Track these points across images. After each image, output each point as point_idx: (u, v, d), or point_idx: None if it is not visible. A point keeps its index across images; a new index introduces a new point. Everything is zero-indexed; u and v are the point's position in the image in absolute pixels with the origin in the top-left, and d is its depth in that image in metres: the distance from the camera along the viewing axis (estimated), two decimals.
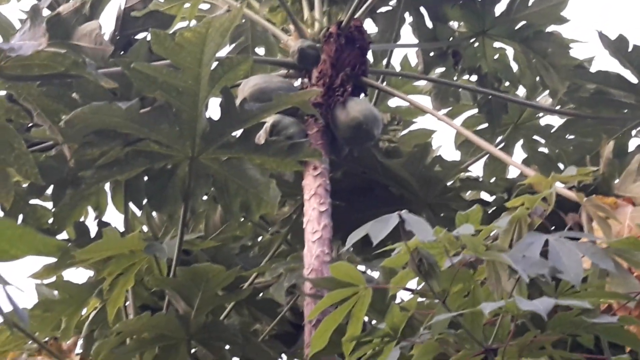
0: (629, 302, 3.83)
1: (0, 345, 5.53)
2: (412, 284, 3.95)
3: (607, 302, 3.94)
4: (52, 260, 5.52)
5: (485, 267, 3.67)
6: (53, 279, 5.73)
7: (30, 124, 5.36)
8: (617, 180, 5.27)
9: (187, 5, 6.71)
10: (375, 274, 5.32)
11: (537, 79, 6.63)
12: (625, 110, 5.92)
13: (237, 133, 5.23)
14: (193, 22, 6.73)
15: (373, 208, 4.52)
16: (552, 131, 6.60)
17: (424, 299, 4.05)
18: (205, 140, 5.14)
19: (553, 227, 4.22)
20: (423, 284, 3.63)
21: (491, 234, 3.90)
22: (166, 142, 5.15)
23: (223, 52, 5.55)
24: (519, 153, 6.96)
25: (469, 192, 6.52)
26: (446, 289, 3.56)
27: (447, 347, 3.61)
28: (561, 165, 6.51)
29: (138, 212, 6.32)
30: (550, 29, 6.45)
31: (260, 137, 5.36)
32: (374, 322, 4.83)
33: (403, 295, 4.85)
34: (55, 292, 5.78)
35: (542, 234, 3.65)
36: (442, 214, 5.98)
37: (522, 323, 3.67)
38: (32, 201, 5.79)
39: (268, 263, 5.79)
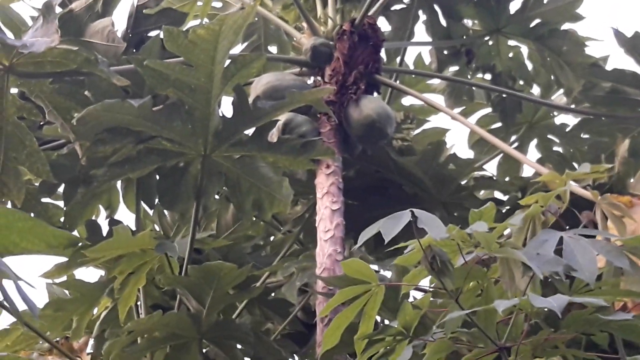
0: None
1: (12, 344, 5.55)
2: (425, 282, 3.97)
3: (622, 300, 3.93)
4: (63, 259, 5.53)
5: (499, 265, 3.67)
6: (64, 278, 5.74)
7: (42, 122, 5.37)
8: (632, 179, 5.26)
9: (199, 3, 6.73)
10: (388, 274, 5.31)
11: (552, 77, 6.64)
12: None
13: (250, 131, 5.25)
14: (205, 20, 6.74)
15: (386, 207, 4.52)
16: (566, 130, 6.60)
17: (437, 298, 4.05)
18: (217, 138, 5.15)
19: (567, 226, 4.20)
20: (436, 282, 3.64)
21: (505, 233, 3.90)
22: (178, 140, 5.16)
23: (235, 50, 5.54)
24: (533, 152, 6.98)
25: (483, 191, 6.50)
26: (459, 287, 3.55)
27: (460, 346, 3.61)
28: (576, 165, 6.46)
29: (150, 211, 6.34)
30: (566, 26, 6.45)
31: (273, 135, 5.36)
32: (386, 321, 4.82)
33: (417, 295, 4.86)
34: (67, 292, 5.79)
35: (556, 232, 3.64)
36: (455, 213, 5.98)
37: (535, 322, 3.67)
38: (44, 199, 5.77)
39: (280, 262, 5.79)
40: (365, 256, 5.43)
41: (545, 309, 3.63)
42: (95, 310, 5.92)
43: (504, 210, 5.47)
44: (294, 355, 5.87)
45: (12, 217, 2.20)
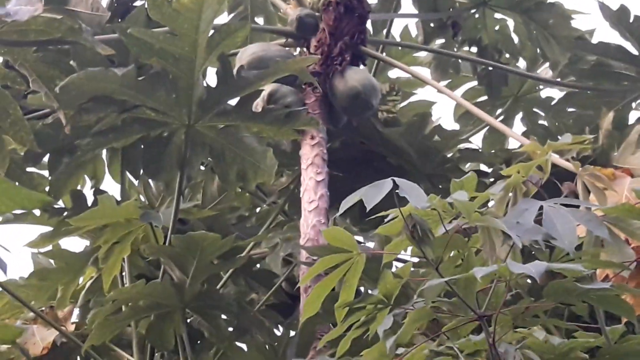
0: (623, 271, 3.84)
1: None
2: (409, 252, 3.97)
3: (604, 272, 3.94)
4: (48, 228, 5.54)
5: (480, 234, 3.66)
6: (49, 247, 5.74)
7: (26, 91, 5.36)
8: (616, 152, 5.27)
9: None
10: (372, 245, 5.33)
11: (538, 50, 6.64)
12: (626, 83, 5.92)
13: (234, 101, 5.24)
14: None
15: (371, 178, 4.48)
16: (552, 104, 6.61)
17: (419, 268, 4.06)
18: (201, 107, 5.15)
19: (549, 197, 4.21)
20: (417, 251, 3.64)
21: (490, 204, 3.90)
22: (162, 110, 5.16)
23: (222, 21, 5.54)
24: (518, 125, 6.99)
25: (468, 163, 6.50)
26: (440, 256, 3.55)
27: (440, 315, 3.61)
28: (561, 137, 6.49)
29: (135, 181, 6.34)
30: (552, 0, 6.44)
31: (258, 105, 5.36)
32: (370, 291, 4.84)
33: (400, 265, 4.87)
34: (52, 261, 5.79)
35: (536, 201, 3.65)
36: (440, 185, 5.97)
37: (517, 293, 3.67)
38: (29, 169, 5.78)
39: (264, 233, 5.80)
40: (348, 227, 5.46)
41: (527, 280, 3.66)
42: (80, 280, 5.93)
43: (488, 183, 5.47)
44: (278, 325, 5.87)
45: None
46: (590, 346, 3.59)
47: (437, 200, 3.52)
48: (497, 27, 6.71)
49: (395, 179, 3.52)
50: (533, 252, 3.73)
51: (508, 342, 3.52)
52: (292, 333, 5.55)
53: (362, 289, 5.08)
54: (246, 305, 5.58)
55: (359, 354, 3.62)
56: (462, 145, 6.46)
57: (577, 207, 3.84)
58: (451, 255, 3.66)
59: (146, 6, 5.11)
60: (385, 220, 3.65)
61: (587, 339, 3.62)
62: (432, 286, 3.42)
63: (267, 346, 5.44)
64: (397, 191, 3.51)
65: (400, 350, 3.50)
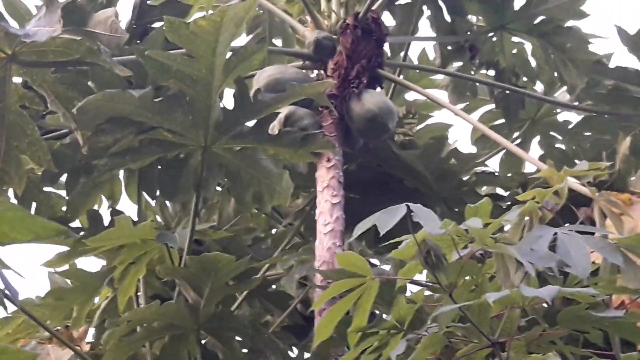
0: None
1: (12, 332, 5.57)
2: (423, 277, 3.97)
3: (620, 298, 3.93)
4: (65, 248, 5.55)
5: (494, 260, 3.67)
6: (66, 267, 5.75)
7: (44, 111, 5.38)
8: (633, 177, 5.26)
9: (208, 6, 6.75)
10: (388, 267, 5.32)
11: (555, 74, 6.64)
12: None
13: (251, 123, 5.25)
14: (210, 12, 6.76)
15: (387, 201, 4.48)
16: (569, 127, 6.61)
17: (434, 293, 4.05)
18: (218, 129, 5.16)
19: (565, 223, 4.21)
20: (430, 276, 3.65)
21: (506, 229, 3.90)
22: (179, 131, 5.17)
23: (241, 42, 5.54)
24: (535, 149, 6.97)
25: (485, 187, 6.50)
26: (453, 282, 3.56)
27: (454, 341, 3.61)
28: (578, 162, 6.47)
29: (152, 202, 6.35)
30: (570, 23, 6.46)
31: (274, 127, 5.37)
32: (384, 315, 4.83)
33: (415, 289, 4.87)
34: (68, 281, 5.81)
35: (551, 228, 3.64)
36: (456, 209, 5.97)
37: (532, 319, 3.67)
38: (46, 189, 5.82)
39: (280, 255, 5.81)
40: (364, 250, 5.45)
41: (543, 305, 3.66)
42: (96, 300, 5.94)
43: (504, 206, 5.46)
44: (293, 348, 5.86)
45: (2, 207, 2.20)
46: None
47: (452, 226, 3.52)
48: (514, 51, 6.71)
49: (410, 204, 3.52)
50: (547, 278, 3.73)
51: None
52: (307, 355, 5.55)
53: (377, 312, 5.09)
54: (261, 327, 5.58)
55: None
56: (479, 169, 6.46)
57: (593, 233, 3.83)
58: (465, 280, 3.65)
59: (164, 28, 5.13)
60: (400, 245, 3.66)
61: None
62: (446, 312, 3.43)
63: None
64: (411, 216, 3.51)
65: None
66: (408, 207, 3.50)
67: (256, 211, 6.01)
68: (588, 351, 3.84)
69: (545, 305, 3.69)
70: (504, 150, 6.61)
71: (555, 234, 3.54)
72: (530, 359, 3.55)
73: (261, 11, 6.53)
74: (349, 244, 5.32)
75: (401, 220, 3.54)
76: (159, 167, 5.49)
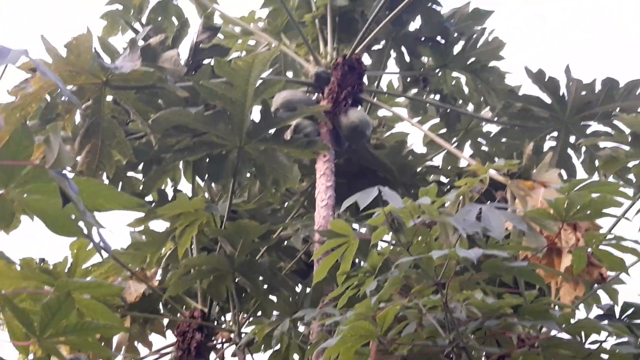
0: (538, 253, 3.85)
1: (105, 272, 5.57)
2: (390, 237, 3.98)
3: (524, 253, 3.94)
4: (141, 214, 5.57)
5: (438, 227, 3.69)
6: (142, 227, 5.77)
7: (128, 120, 5.39)
8: (534, 170, 5.27)
9: (239, 41, 6.75)
10: (365, 231, 5.32)
11: (482, 99, 6.61)
12: (542, 122, 5.88)
13: (272, 131, 5.26)
14: (244, 53, 6.78)
15: (364, 185, 4.48)
16: (491, 136, 6.54)
17: (396, 248, 4.05)
18: (249, 135, 5.18)
19: (487, 201, 4.22)
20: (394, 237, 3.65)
21: (446, 205, 3.90)
22: (222, 136, 5.19)
23: (264, 73, 5.56)
24: (467, 151, 6.93)
25: (432, 176, 6.49)
26: (410, 241, 3.58)
27: (410, 281, 3.62)
28: (497, 159, 6.46)
29: (202, 183, 6.36)
30: (492, 63, 6.43)
31: (287, 134, 5.40)
32: (362, 263, 4.85)
33: (383, 245, 4.86)
34: (143, 237, 5.82)
35: (477, 204, 3.67)
36: (412, 191, 5.96)
37: (464, 267, 3.68)
38: (129, 174, 5.82)
39: (290, 221, 5.81)
40: (348, 218, 5.44)
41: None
42: (162, 250, 5.95)
43: (445, 190, 5.45)
44: (299, 285, 5.85)
45: (100, 187, 2.23)
46: (513, 304, 3.56)
47: (409, 202, 3.55)
48: (453, 82, 6.67)
49: (380, 187, 3.54)
50: (475, 240, 3.75)
51: (456, 300, 3.54)
52: (308, 290, 5.56)
53: (357, 260, 5.10)
54: (276, 270, 5.59)
55: (353, 306, 3.62)
56: (428, 163, 6.43)
57: (506, 209, 3.86)
58: (418, 240, 3.65)
59: (212, 64, 5.16)
60: (374, 215, 3.67)
61: (512, 299, 3.61)
62: (404, 262, 3.44)
63: (290, 299, 5.46)
64: (382, 195, 3.53)
65: (382, 305, 3.50)
66: (379, 189, 3.52)
67: (274, 191, 6.01)
68: (502, 289, 3.86)
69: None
70: (445, 151, 6.58)
71: (481, 209, 3.57)
72: (463, 295, 3.54)
73: (278, 53, 6.51)
74: (338, 214, 5.33)
75: (375, 198, 3.57)
76: (207, 159, 5.50)
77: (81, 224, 2.12)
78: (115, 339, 5.78)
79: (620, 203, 3.72)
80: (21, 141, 2.04)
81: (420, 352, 3.58)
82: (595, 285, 4.10)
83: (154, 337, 5.98)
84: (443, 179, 6.37)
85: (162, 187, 6.09)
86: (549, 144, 6.01)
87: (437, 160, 6.87)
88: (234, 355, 5.54)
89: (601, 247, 3.79)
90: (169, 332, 5.96)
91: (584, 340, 3.65)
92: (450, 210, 3.80)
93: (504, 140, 6.27)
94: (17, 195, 2.01)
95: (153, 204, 5.87)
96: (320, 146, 5.35)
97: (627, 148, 5.11)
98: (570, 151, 5.94)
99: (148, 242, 5.72)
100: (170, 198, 5.91)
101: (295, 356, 5.40)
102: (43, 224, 2.12)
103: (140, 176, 5.85)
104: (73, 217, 2.12)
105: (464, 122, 6.72)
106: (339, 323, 3.59)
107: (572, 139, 5.91)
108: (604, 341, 3.69)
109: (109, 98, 5.11)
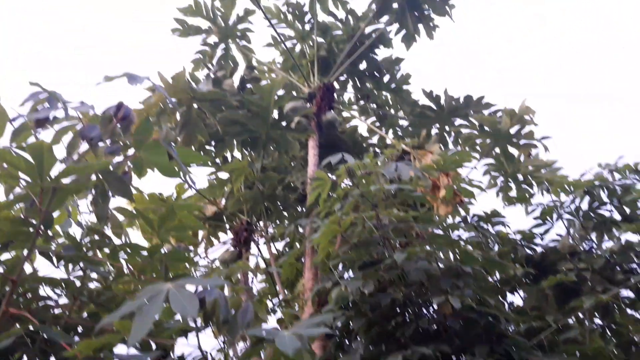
0: (427, 188, 3.87)
1: (193, 200, 5.55)
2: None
3: (420, 188, 3.95)
4: (213, 169, 5.56)
5: (374, 175, 3.66)
6: (213, 177, 5.76)
7: (205, 119, 5.36)
8: (426, 145, 5.31)
9: (266, 74, 6.70)
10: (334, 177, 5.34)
11: (398, 106, 6.60)
12: (431, 119, 5.87)
13: (284, 123, 5.26)
14: (268, 81, 6.70)
15: (334, 153, 4.51)
16: (403, 127, 6.48)
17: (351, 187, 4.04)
18: (271, 126, 5.16)
19: (400, 161, 4.22)
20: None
21: (378, 163, 3.89)
22: (255, 126, 5.17)
23: (280, 92, 5.53)
24: (390, 135, 6.86)
25: (371, 148, 6.40)
26: (358, 182, 3.61)
27: (358, 204, 3.59)
28: (407, 139, 6.41)
29: (246, 153, 6.32)
30: (405, 87, 6.41)
31: (293, 124, 5.38)
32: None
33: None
34: (215, 181, 5.80)
35: (395, 162, 3.68)
36: (360, 157, 5.95)
37: (388, 195, 3.67)
38: (207, 147, 5.77)
39: (294, 173, 5.81)
40: (326, 171, 5.46)
41: (392, 191, 3.64)
42: (225, 188, 5.92)
43: (379, 156, 5.45)
44: (299, 207, 5.70)
45: (189, 151, 2.21)
46: (414, 215, 3.42)
47: (357, 162, 3.58)
48: (384, 97, 6.65)
49: (344, 153, 3.57)
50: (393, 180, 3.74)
51: (384, 214, 3.46)
52: (303, 210, 5.57)
53: (330, 193, 5.12)
54: (287, 199, 5.57)
55: (328, 217, 3.59)
56: (369, 142, 6.41)
57: (410, 165, 3.88)
58: (362, 182, 3.63)
59: (251, 87, 5.14)
60: (339, 168, 3.70)
61: (413, 213, 3.50)
62: (355, 193, 3.48)
63: (294, 214, 5.49)
64: (344, 158, 3.56)
65: (344, 217, 3.48)
66: (342, 154, 3.56)
67: (285, 156, 6.01)
68: (408, 208, 3.79)
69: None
70: (378, 135, 6.57)
71: (397, 164, 3.59)
72: (387, 212, 3.43)
73: (288, 81, 6.46)
74: (319, 169, 5.38)
75: (340, 160, 3.60)
76: (249, 139, 5.48)
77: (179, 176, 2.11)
78: (200, 236, 5.81)
79: (470, 160, 3.77)
80: (146, 126, 2.01)
81: (364, 241, 3.55)
82: (457, 205, 4.13)
83: (221, 236, 6.03)
84: (377, 151, 6.40)
85: (225, 155, 6.08)
86: (434, 131, 6.05)
87: (374, 140, 6.87)
88: (264, 244, 5.59)
89: (462, 185, 3.85)
90: (229, 233, 5.99)
91: (451, 234, 3.63)
92: (382, 166, 3.82)
93: (410, 129, 6.30)
94: (144, 155, 2.00)
95: (220, 164, 5.88)
96: (310, 132, 5.36)
97: (476, 132, 5.15)
98: (445, 134, 5.97)
99: (218, 184, 5.74)
100: (229, 161, 5.91)
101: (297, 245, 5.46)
102: (158, 171, 2.09)
103: (211, 149, 5.83)
104: (176, 169, 2.11)
105: (389, 119, 6.73)
106: (319, 226, 3.64)
107: (447, 128, 5.94)
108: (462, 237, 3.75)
109: (195, 106, 5.11)
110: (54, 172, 1.73)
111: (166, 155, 1.91)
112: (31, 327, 1.73)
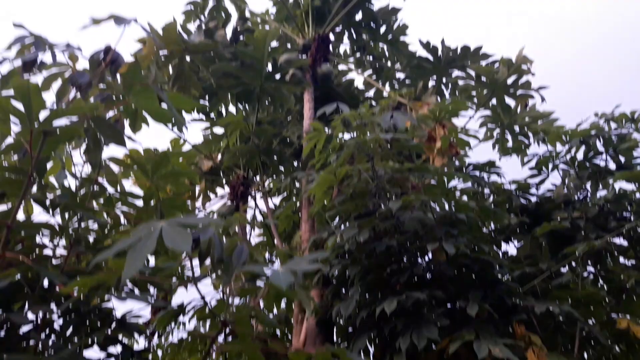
0: (423, 138, 3.86)
1: (189, 154, 5.53)
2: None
3: (416, 139, 3.93)
4: (207, 124, 5.51)
5: (369, 124, 3.63)
6: (208, 131, 5.73)
7: (198, 70, 5.28)
8: (424, 96, 5.26)
9: (267, 27, 6.56)
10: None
11: (395, 58, 6.50)
12: (428, 70, 5.81)
13: (278, 76, 5.18)
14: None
15: (329, 102, 4.47)
16: (402, 79, 6.43)
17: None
18: (265, 78, 5.08)
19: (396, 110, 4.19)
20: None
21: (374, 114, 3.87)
22: (250, 79, 5.09)
23: (273, 43, 5.44)
24: (387, 88, 6.80)
25: (367, 100, 6.40)
26: (354, 130, 3.59)
27: (355, 152, 3.57)
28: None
29: (240, 106, 6.28)
30: (402, 38, 6.30)
31: (287, 77, 5.32)
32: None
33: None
34: (210, 136, 5.78)
35: (391, 112, 3.65)
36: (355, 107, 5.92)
37: (384, 145, 3.67)
38: (201, 102, 5.70)
39: (291, 126, 5.78)
40: (321, 123, 5.45)
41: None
42: (221, 143, 5.90)
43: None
44: (295, 161, 5.73)
45: (179, 97, 2.14)
46: (409, 167, 3.42)
47: (352, 111, 3.55)
48: (380, 49, 6.55)
49: (339, 103, 3.54)
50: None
51: (379, 165, 3.51)
52: (299, 164, 5.58)
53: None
54: (283, 153, 5.57)
55: (324, 169, 3.61)
56: (367, 95, 6.38)
57: (407, 114, 3.86)
58: (358, 131, 3.65)
59: (244, 39, 5.05)
60: (334, 118, 3.67)
61: (408, 164, 3.49)
62: (351, 143, 3.47)
63: (290, 168, 5.52)
64: (339, 107, 3.53)
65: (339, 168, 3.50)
66: (337, 103, 3.53)
67: (280, 109, 5.96)
68: (403, 159, 3.82)
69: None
70: (375, 88, 6.51)
71: (392, 114, 3.56)
72: (383, 163, 3.48)
73: (280, 33, 6.32)
74: (315, 119, 5.35)
75: (335, 109, 3.57)
76: (243, 92, 5.42)
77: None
78: (197, 190, 5.82)
79: (467, 109, 3.74)
80: (134, 70, 1.95)
81: (360, 192, 3.57)
82: (453, 157, 4.13)
83: (218, 191, 6.05)
84: (374, 104, 6.34)
85: (219, 109, 6.02)
86: (431, 83, 5.99)
87: (371, 93, 6.80)
88: (261, 198, 5.63)
89: (458, 136, 3.83)
90: (226, 188, 6.01)
91: (447, 184, 3.64)
92: (378, 115, 3.79)
93: (407, 81, 6.24)
94: (135, 100, 1.96)
95: (215, 119, 5.83)
96: (305, 84, 5.29)
97: (472, 83, 5.10)
98: (442, 86, 5.90)
99: (213, 138, 5.71)
100: (224, 115, 5.86)
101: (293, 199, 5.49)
102: (149, 116, 2.03)
103: (206, 103, 5.77)
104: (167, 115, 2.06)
105: (385, 71, 6.65)
106: (314, 178, 3.63)
107: (444, 79, 5.88)
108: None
109: (188, 59, 5.02)
110: (45, 119, 1.70)
111: (156, 99, 1.88)
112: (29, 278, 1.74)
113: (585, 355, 3.38)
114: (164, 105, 1.98)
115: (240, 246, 1.49)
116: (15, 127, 1.81)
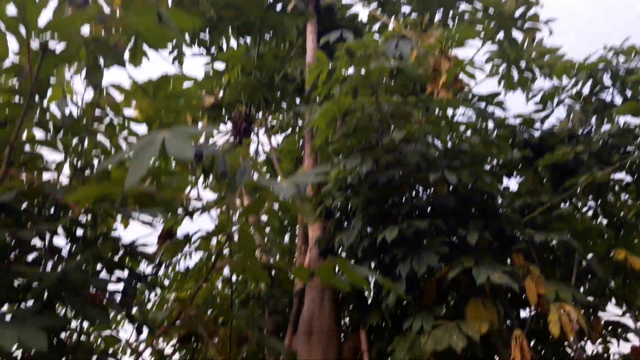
0: (428, 71, 3.77)
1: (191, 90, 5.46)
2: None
3: (421, 70, 3.83)
4: (207, 59, 5.38)
5: (374, 54, 3.50)
6: (210, 67, 5.59)
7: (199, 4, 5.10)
8: (429, 29, 5.11)
9: None
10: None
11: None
12: (434, 4, 5.60)
13: (279, 6, 5.02)
14: None
15: (332, 31, 4.32)
16: (405, 14, 6.13)
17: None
18: (266, 9, 4.93)
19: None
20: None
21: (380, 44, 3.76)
22: (252, 11, 4.94)
23: None
24: (392, 23, 6.58)
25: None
26: (359, 63, 3.49)
27: (358, 88, 3.47)
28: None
29: (241, 41, 6.10)
30: None
31: (289, 8, 5.14)
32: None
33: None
34: (211, 72, 5.64)
35: (395, 41, 3.56)
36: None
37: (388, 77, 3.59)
38: (201, 36, 5.53)
39: (294, 58, 5.56)
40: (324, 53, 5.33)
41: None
42: (222, 79, 5.73)
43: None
44: (297, 98, 5.59)
45: (179, 13, 2.08)
46: (415, 101, 3.37)
47: (357, 41, 3.45)
48: None
49: (343, 30, 3.45)
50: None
51: (383, 100, 3.44)
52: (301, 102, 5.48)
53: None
54: (286, 88, 5.49)
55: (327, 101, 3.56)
56: (372, 30, 6.14)
57: (413, 42, 3.74)
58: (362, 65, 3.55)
59: None
60: (338, 45, 3.57)
61: (413, 99, 3.42)
62: (355, 74, 3.39)
63: (293, 105, 5.43)
64: (342, 35, 3.44)
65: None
66: (342, 32, 3.44)
67: (283, 44, 5.78)
68: (408, 94, 3.76)
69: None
70: (380, 22, 6.27)
71: (397, 42, 3.49)
72: (386, 97, 3.38)
73: None
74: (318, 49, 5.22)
75: (339, 38, 3.48)
76: (244, 24, 5.25)
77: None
78: (199, 127, 5.76)
79: (475, 37, 3.62)
80: None
81: (363, 125, 3.51)
82: (457, 91, 4.04)
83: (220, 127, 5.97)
84: (377, 36, 6.15)
85: (220, 44, 5.86)
86: (438, 16, 5.79)
87: (375, 28, 6.56)
88: (264, 134, 5.57)
89: (464, 68, 3.75)
90: (228, 124, 5.95)
91: (451, 117, 3.53)
92: (380, 45, 3.69)
93: (413, 15, 6.01)
94: (132, 17, 1.88)
95: (215, 55, 5.67)
96: (308, 15, 5.12)
97: (479, 16, 4.93)
98: (449, 19, 5.73)
99: (214, 74, 5.60)
100: (224, 49, 5.71)
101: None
102: (145, 43, 1.96)
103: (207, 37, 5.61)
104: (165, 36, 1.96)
105: (391, 5, 6.39)
106: (317, 110, 3.58)
107: (450, 12, 5.69)
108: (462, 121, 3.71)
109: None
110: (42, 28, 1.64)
111: (155, 16, 1.82)
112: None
113: (582, 290, 3.43)
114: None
115: (244, 163, 1.48)
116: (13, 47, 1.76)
